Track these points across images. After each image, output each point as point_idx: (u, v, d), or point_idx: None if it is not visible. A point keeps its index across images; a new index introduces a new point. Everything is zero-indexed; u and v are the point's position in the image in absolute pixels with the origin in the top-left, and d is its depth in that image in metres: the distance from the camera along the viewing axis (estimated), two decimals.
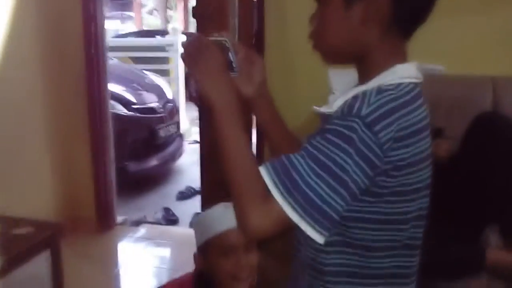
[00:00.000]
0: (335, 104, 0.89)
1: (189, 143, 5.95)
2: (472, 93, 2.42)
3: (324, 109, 0.94)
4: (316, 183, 0.79)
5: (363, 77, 0.93)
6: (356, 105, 0.82)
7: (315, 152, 0.81)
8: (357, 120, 0.80)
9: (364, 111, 0.80)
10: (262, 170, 0.84)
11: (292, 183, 0.80)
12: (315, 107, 0.97)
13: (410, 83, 0.88)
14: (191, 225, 3.67)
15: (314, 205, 0.79)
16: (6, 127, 2.90)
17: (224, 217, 1.44)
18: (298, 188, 0.80)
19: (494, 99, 2.38)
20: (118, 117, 4.13)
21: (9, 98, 2.94)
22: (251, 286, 1.48)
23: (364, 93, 0.85)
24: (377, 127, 0.80)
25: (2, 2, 2.90)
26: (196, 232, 1.54)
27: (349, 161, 0.79)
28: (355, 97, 0.85)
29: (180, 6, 15.91)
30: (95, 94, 3.40)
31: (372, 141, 0.80)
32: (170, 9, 17.61)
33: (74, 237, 3.16)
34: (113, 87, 4.27)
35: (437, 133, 1.99)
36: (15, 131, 3.02)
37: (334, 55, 0.97)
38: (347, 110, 0.83)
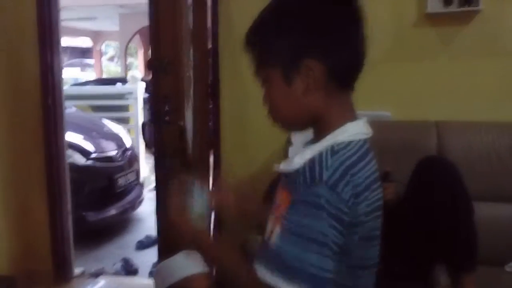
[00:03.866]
0: (294, 162, 0.95)
1: (149, 191, 5.91)
2: (418, 138, 2.54)
3: (284, 167, 0.99)
4: (307, 257, 0.85)
5: (317, 135, 1.01)
6: (317, 171, 0.89)
7: (294, 228, 0.87)
8: (321, 185, 0.87)
9: (325, 176, 0.87)
10: (260, 269, 0.90)
11: (290, 269, 0.86)
12: (276, 165, 1.03)
13: (360, 140, 0.95)
14: (152, 275, 3.62)
15: (314, 277, 0.85)
16: None
17: (185, 263, 1.46)
18: (295, 270, 0.85)
19: (439, 143, 2.50)
20: (75, 166, 4.10)
21: None
22: None
23: (320, 156, 0.91)
24: (339, 188, 0.87)
25: None
26: (156, 280, 1.55)
27: (325, 224, 0.86)
28: (312, 161, 0.91)
29: (141, 53, 16.04)
30: (52, 144, 3.39)
31: (338, 201, 0.87)
32: (131, 56, 17.72)
33: None
34: (71, 136, 4.25)
35: (384, 177, 2.07)
36: None
37: (290, 125, 1.05)
38: (310, 177, 0.89)
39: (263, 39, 0.99)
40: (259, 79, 1.03)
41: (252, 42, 1.01)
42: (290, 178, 0.95)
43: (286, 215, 0.90)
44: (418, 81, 2.83)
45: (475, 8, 2.65)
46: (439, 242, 1.96)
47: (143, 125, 6.65)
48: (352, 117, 0.99)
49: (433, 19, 2.78)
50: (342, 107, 0.99)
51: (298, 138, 1.09)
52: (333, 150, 0.91)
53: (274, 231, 0.91)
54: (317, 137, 0.99)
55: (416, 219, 1.96)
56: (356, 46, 0.98)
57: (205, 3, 2.95)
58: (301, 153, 0.95)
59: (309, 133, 1.05)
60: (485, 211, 2.22)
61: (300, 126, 1.04)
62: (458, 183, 1.99)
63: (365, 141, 0.97)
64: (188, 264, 1.46)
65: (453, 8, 2.69)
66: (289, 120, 1.02)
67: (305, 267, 0.85)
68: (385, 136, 2.47)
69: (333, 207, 0.86)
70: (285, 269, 0.86)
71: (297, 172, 0.93)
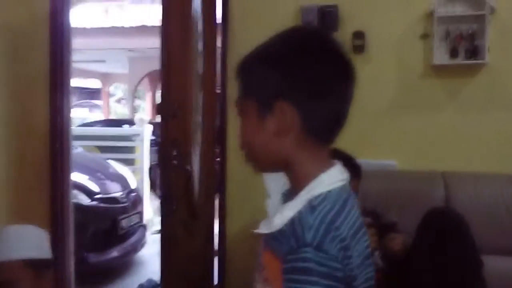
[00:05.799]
0: (274, 223, 0.91)
1: (152, 233, 5.86)
2: (425, 188, 2.53)
3: (264, 229, 0.95)
4: None
5: (292, 185, 0.97)
6: (299, 234, 0.85)
7: None
8: (306, 249, 0.83)
9: (308, 238, 0.84)
10: None
11: None
12: (254, 231, 0.98)
13: (336, 188, 0.92)
14: None
15: None
16: None
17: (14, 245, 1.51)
18: None
19: (446, 194, 2.49)
20: (79, 207, 4.08)
21: None
22: None
23: (299, 215, 0.87)
24: (325, 246, 0.83)
25: None
26: None
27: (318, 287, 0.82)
28: (293, 222, 0.88)
29: (148, 96, 16.22)
30: (57, 185, 3.39)
31: (328, 259, 0.83)
32: (138, 98, 17.91)
33: None
34: (77, 176, 4.25)
35: (390, 227, 2.06)
36: None
37: (260, 164, 1.00)
38: (294, 241, 0.85)
39: (248, 69, 0.97)
40: (237, 108, 1.00)
41: (239, 71, 0.99)
42: (271, 237, 0.91)
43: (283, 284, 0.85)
44: (424, 132, 2.84)
45: (480, 61, 2.69)
46: None
47: (151, 168, 6.66)
48: (327, 165, 0.95)
49: (439, 70, 2.82)
50: (315, 157, 0.95)
51: (274, 188, 1.05)
52: (312, 206, 0.88)
53: None
54: (293, 188, 0.96)
55: (424, 272, 1.93)
56: (337, 104, 0.94)
57: (215, 49, 3.01)
58: (280, 212, 0.92)
59: (280, 180, 1.01)
60: (494, 264, 2.18)
61: (269, 167, 1.00)
62: (466, 235, 1.97)
63: (342, 187, 0.93)
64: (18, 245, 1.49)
65: (459, 60, 2.73)
66: (258, 157, 0.98)
67: None
68: (392, 187, 2.47)
69: (324, 266, 0.82)
70: None
71: (279, 232, 0.89)
